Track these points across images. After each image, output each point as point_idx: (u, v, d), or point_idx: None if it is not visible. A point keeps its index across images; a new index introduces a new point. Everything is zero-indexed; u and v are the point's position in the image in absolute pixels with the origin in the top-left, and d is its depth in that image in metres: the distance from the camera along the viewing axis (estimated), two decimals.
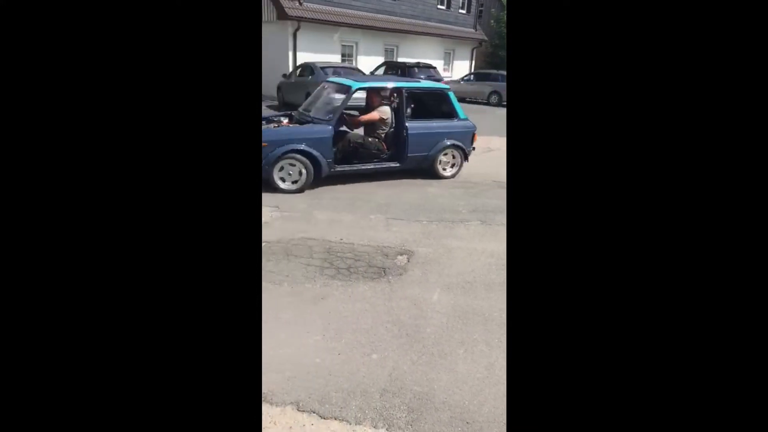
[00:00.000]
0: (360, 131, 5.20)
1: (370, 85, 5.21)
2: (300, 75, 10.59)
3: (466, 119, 5.38)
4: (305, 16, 12.06)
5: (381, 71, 12.42)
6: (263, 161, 4.35)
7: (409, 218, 4.03)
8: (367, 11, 13.90)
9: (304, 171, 4.54)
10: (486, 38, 19.65)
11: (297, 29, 12.27)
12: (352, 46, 14.18)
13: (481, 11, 19.27)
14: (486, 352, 2.20)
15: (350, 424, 1.74)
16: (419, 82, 5.68)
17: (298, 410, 1.79)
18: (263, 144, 4.29)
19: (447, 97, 5.32)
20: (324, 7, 12.62)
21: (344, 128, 5.13)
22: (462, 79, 16.05)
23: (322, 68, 10.02)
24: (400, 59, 14.82)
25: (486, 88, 14.67)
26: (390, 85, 5.24)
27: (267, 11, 12.37)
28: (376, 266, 3.07)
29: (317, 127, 4.65)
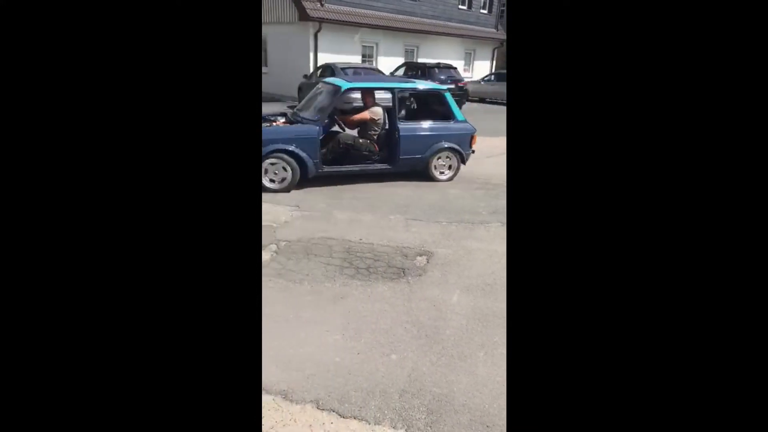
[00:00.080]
0: (354, 132, 5.12)
1: (359, 85, 5.16)
2: (321, 75, 10.64)
3: (464, 121, 5.20)
4: (326, 17, 12.15)
5: (401, 72, 12.42)
6: None
7: (429, 219, 4.01)
8: (387, 12, 13.92)
9: (289, 171, 4.50)
10: None
11: (318, 30, 12.36)
12: (372, 47, 14.21)
13: (502, 11, 19.08)
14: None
15: (369, 423, 1.74)
16: (414, 82, 5.45)
17: (317, 408, 1.80)
18: None
19: (443, 98, 5.14)
20: (345, 8, 12.69)
21: (336, 128, 5.10)
22: (482, 79, 15.92)
23: (343, 69, 10.07)
24: (421, 60, 14.79)
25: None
26: (382, 85, 5.20)
27: (289, 12, 12.51)
28: (395, 266, 3.07)
29: (304, 127, 4.62)
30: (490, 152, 6.70)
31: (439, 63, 12.07)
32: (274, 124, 4.77)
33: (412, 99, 5.82)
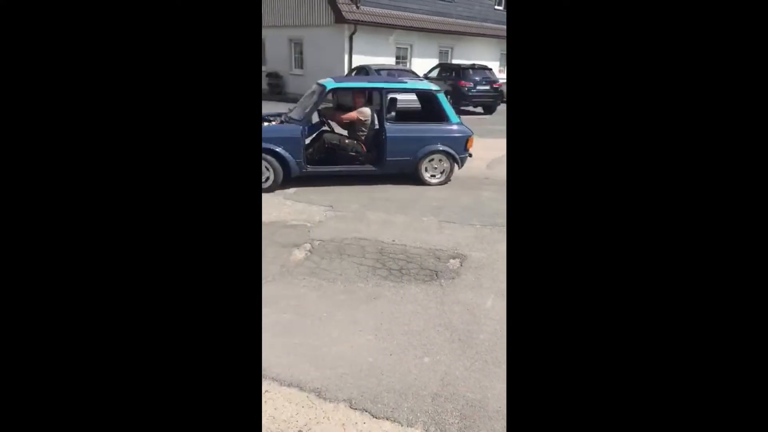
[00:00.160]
0: (344, 131, 5.03)
1: (345, 85, 5.04)
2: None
3: (458, 123, 4.97)
4: (362, 19, 12.24)
5: (435, 73, 12.37)
6: None
7: (462, 221, 3.97)
8: (422, 13, 13.89)
9: (272, 171, 4.45)
10: None
11: (353, 32, 12.47)
12: (406, 49, 14.22)
13: None
14: None
15: (402, 425, 1.74)
16: (405, 83, 5.23)
17: (350, 408, 1.81)
18: None
19: (436, 99, 4.92)
20: (380, 10, 12.75)
21: (325, 128, 5.02)
22: None
23: (377, 70, 10.12)
24: (455, 61, 14.68)
25: None
26: (369, 85, 5.04)
27: (325, 15, 12.68)
28: (428, 269, 3.05)
29: (287, 127, 4.56)
30: None
31: (474, 64, 11.95)
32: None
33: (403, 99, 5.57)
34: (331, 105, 7.11)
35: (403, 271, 3.01)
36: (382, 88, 4.77)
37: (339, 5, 11.95)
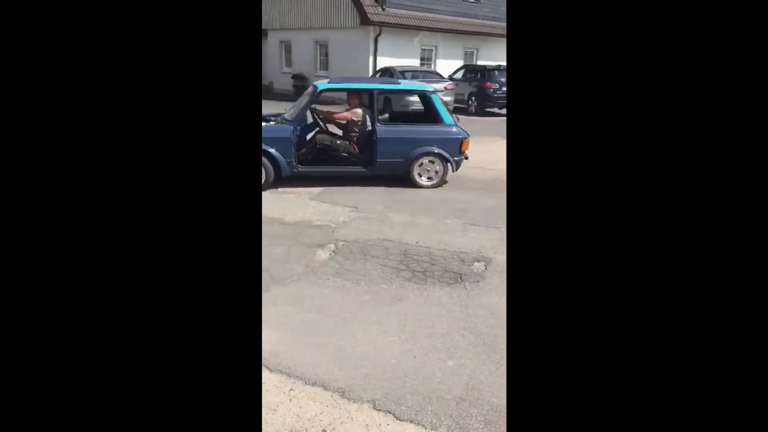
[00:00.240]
0: (338, 131, 5.04)
1: (336, 86, 5.02)
2: None
3: (452, 125, 4.82)
4: (387, 20, 12.27)
5: (460, 74, 12.29)
6: None
7: (487, 224, 3.93)
8: (448, 15, 13.83)
9: (263, 170, 4.44)
10: None
11: (378, 34, 12.52)
12: (431, 50, 14.18)
13: None
14: None
15: (426, 429, 1.73)
16: (399, 84, 5.11)
17: (374, 409, 1.81)
18: None
19: (429, 100, 4.82)
20: (405, 12, 12.76)
21: (319, 129, 4.99)
22: None
23: (401, 72, 10.13)
24: (480, 62, 14.56)
25: None
26: (360, 86, 5.00)
27: (350, 17, 12.77)
28: (452, 271, 3.03)
29: (277, 127, 4.59)
30: None
31: (499, 65, 11.82)
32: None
33: (395, 100, 5.54)
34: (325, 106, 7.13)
35: (427, 274, 2.99)
36: (374, 89, 4.75)
37: (364, 7, 12.02)
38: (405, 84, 5.10)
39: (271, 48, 16.12)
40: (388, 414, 1.79)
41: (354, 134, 4.89)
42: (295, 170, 4.66)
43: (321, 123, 4.95)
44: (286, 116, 4.84)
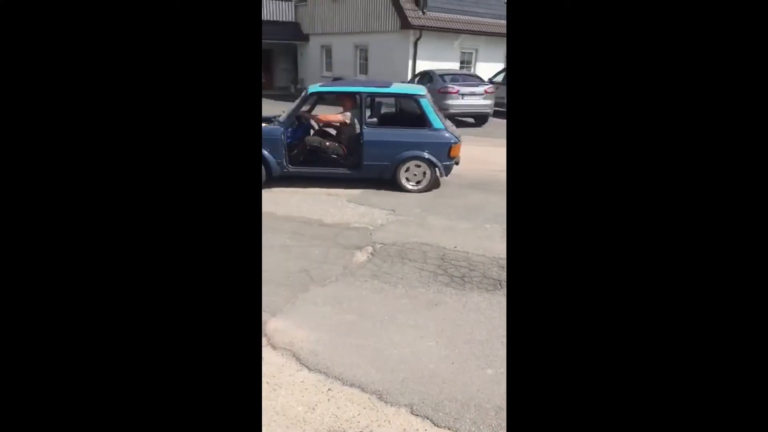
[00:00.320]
0: (332, 132, 5.06)
1: (327, 89, 5.06)
2: (418, 83, 10.77)
3: (441, 129, 4.72)
4: (427, 24, 12.26)
5: (501, 77, 12.10)
6: None
7: None
8: (490, 18, 13.66)
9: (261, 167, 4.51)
10: None
11: (419, 38, 12.52)
12: (471, 53, 14.04)
13: None
14: None
15: None
16: (389, 87, 5.03)
17: (411, 413, 1.80)
18: None
19: (419, 103, 4.74)
20: (446, 15, 12.70)
21: (314, 131, 5.05)
22: None
23: (441, 75, 10.08)
24: None
25: None
26: (349, 89, 4.99)
27: (391, 21, 12.83)
28: (491, 278, 2.98)
29: (267, 128, 4.68)
30: None
31: None
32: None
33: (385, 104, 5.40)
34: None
35: (466, 279, 2.95)
36: (362, 93, 4.76)
37: (405, 11, 12.05)
38: (395, 87, 5.04)
39: (311, 52, 16.44)
40: (425, 419, 1.77)
41: (344, 136, 4.97)
42: (286, 170, 4.80)
43: (314, 125, 5.03)
44: (282, 118, 4.94)
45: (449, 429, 1.73)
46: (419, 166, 4.77)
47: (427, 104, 4.76)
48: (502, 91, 11.49)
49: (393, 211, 4.25)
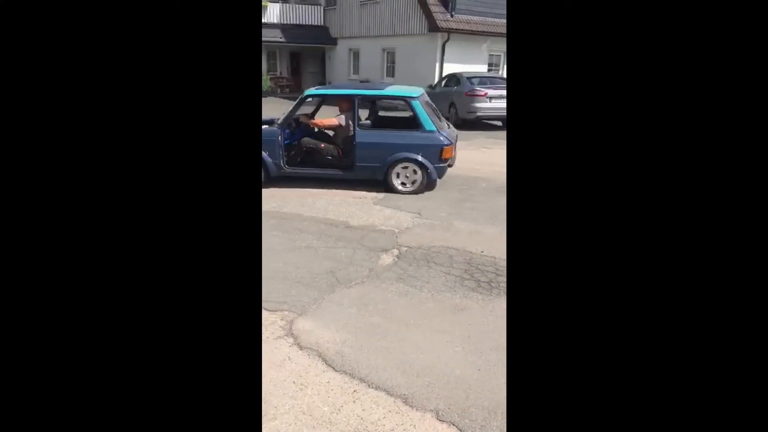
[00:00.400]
0: (330, 133, 5.21)
1: (321, 92, 5.23)
2: (446, 85, 10.73)
3: (433, 131, 4.73)
4: (456, 27, 12.20)
5: None
6: None
7: None
8: None
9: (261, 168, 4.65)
10: None
11: (446, 41, 12.47)
12: (499, 56, 13.89)
13: None
14: None
15: None
16: (382, 90, 5.10)
17: (437, 419, 1.78)
18: None
19: (411, 106, 4.78)
20: (475, 18, 12.61)
21: (312, 133, 5.20)
22: None
23: (469, 78, 10.01)
24: None
25: None
26: (343, 92, 5.12)
27: (418, 24, 12.83)
28: None
29: (265, 130, 4.82)
30: None
31: None
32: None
33: (378, 106, 5.50)
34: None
35: (492, 284, 2.91)
36: (356, 95, 4.86)
37: (433, 14, 12.03)
38: (389, 90, 5.11)
39: (339, 55, 16.60)
40: (452, 425, 1.75)
41: (339, 138, 5.12)
42: (282, 171, 4.94)
43: (311, 126, 5.19)
44: (280, 120, 5.09)
45: None
46: (409, 168, 4.81)
47: (419, 106, 4.78)
48: None
49: (419, 214, 4.24)
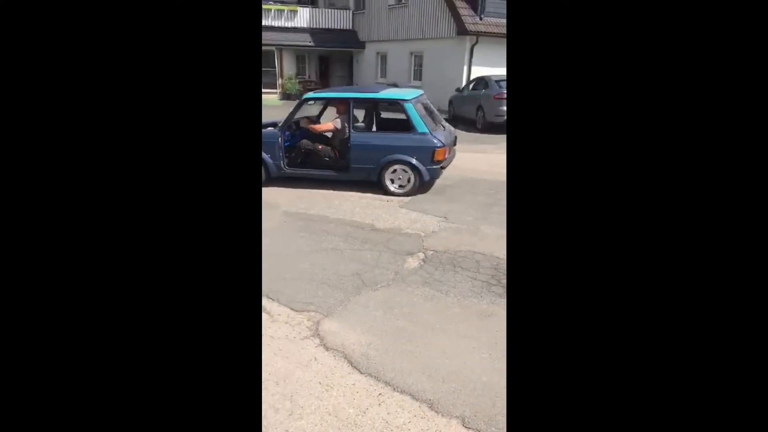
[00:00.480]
0: (328, 135, 5.37)
1: (318, 96, 5.44)
2: (473, 89, 10.64)
3: (425, 133, 4.75)
4: (484, 30, 12.10)
5: None
6: None
7: None
8: None
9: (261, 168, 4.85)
10: None
11: (475, 44, 12.38)
12: None
13: None
14: None
15: None
16: (377, 93, 5.17)
17: (463, 426, 1.76)
18: None
19: (404, 109, 4.83)
20: (504, 21, 12.47)
21: (312, 135, 5.37)
22: None
23: (497, 81, 9.90)
24: None
25: None
26: (338, 95, 5.27)
27: (447, 28, 12.80)
28: None
29: (266, 132, 5.05)
30: None
31: None
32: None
33: (372, 109, 5.55)
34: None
35: None
36: (350, 98, 5.01)
37: (462, 17, 11.97)
38: (383, 93, 5.20)
39: (367, 59, 16.70)
40: None
41: (336, 141, 5.27)
42: (282, 171, 5.15)
43: (311, 129, 5.34)
44: (281, 122, 5.30)
45: None
46: (404, 170, 4.88)
47: (412, 109, 4.83)
48: None
49: (445, 218, 4.21)
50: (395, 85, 14.65)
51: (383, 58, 16.08)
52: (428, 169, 4.80)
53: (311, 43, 16.11)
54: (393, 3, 14.76)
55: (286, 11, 16.10)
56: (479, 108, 9.86)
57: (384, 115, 5.66)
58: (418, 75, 14.55)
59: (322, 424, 1.75)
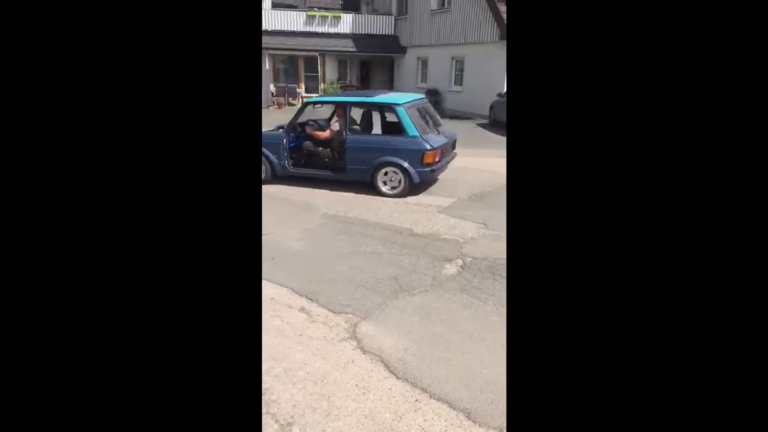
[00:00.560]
0: (329, 136, 5.66)
1: (318, 100, 5.95)
2: None
3: (415, 136, 4.89)
4: None
5: None
6: None
7: None
8: None
9: (262, 167, 5.33)
10: None
11: None
12: None
13: None
14: None
15: None
16: (372, 97, 5.44)
17: None
18: None
19: (396, 112, 5.02)
20: None
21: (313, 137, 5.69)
22: None
23: None
24: None
25: None
26: (335, 99, 5.69)
27: (490, 32, 12.65)
28: None
29: (272, 133, 5.50)
30: None
31: None
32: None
33: (367, 113, 5.80)
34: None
35: None
36: (347, 102, 5.28)
37: (505, 22, 11.81)
38: (377, 98, 5.47)
39: (408, 64, 16.76)
40: None
41: (335, 143, 5.56)
42: (287, 171, 5.50)
43: (312, 131, 5.69)
44: (285, 125, 5.67)
45: None
46: (395, 172, 5.05)
47: (404, 113, 5.00)
48: None
49: (484, 224, 4.15)
50: (435, 91, 14.63)
51: (424, 62, 16.08)
52: (418, 172, 4.93)
53: (353, 49, 16.34)
54: (435, 8, 14.75)
55: (330, 17, 16.42)
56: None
57: (388, 118, 5.94)
58: (458, 80, 14.45)
59: (359, 427, 1.77)
